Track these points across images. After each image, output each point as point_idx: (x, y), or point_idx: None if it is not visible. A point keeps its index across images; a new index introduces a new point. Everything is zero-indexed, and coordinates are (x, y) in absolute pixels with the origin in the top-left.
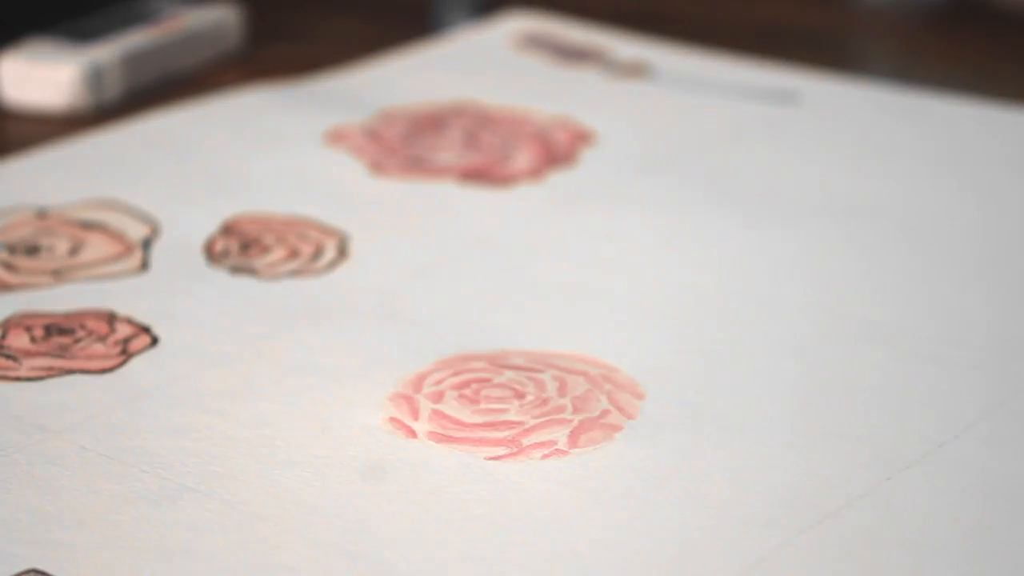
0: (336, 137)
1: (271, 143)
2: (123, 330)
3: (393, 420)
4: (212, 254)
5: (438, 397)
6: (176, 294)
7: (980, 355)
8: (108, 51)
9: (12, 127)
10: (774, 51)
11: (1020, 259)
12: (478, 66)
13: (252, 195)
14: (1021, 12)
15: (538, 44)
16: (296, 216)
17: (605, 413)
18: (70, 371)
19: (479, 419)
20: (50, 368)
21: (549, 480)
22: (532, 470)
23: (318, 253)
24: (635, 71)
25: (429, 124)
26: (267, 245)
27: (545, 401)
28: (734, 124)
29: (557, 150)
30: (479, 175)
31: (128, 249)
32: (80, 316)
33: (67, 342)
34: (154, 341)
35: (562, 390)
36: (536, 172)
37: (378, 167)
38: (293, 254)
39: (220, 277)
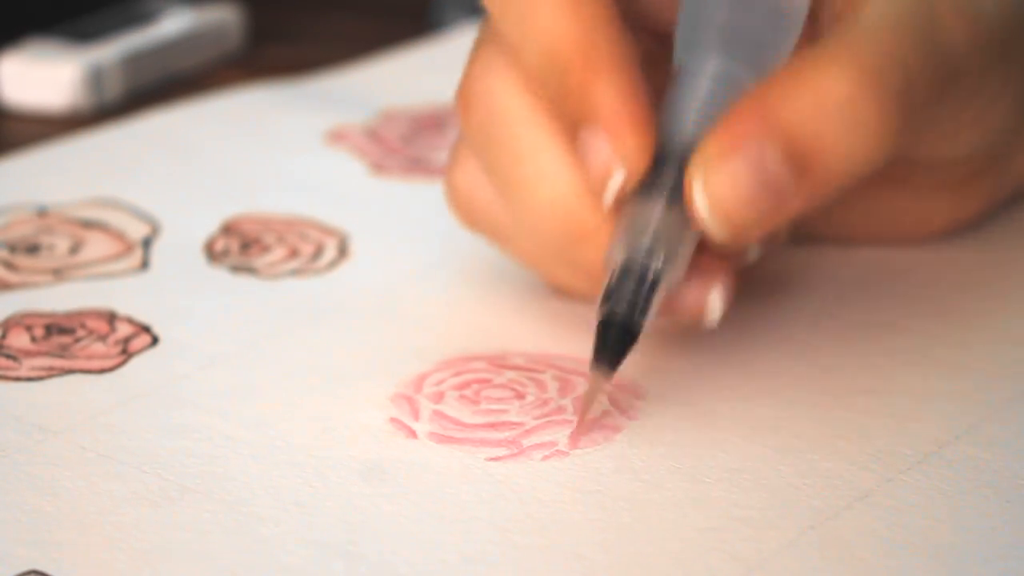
0: (336, 137)
1: (271, 143)
2: (123, 330)
3: (393, 420)
4: (212, 254)
5: (438, 397)
6: (176, 294)
7: (980, 355)
8: (108, 51)
9: (12, 127)
10: None
11: (1021, 258)
12: None
13: (252, 195)
14: None
15: None
16: (296, 216)
17: (606, 414)
18: (70, 371)
19: (480, 420)
20: (50, 368)
21: (549, 481)
22: (533, 471)
23: (318, 253)
24: None
25: (429, 124)
26: (267, 245)
27: (546, 402)
28: None
29: None
30: None
31: (128, 248)
32: (80, 316)
33: (67, 342)
34: (154, 341)
35: (563, 390)
36: None
37: (379, 167)
38: (293, 254)
39: (220, 277)
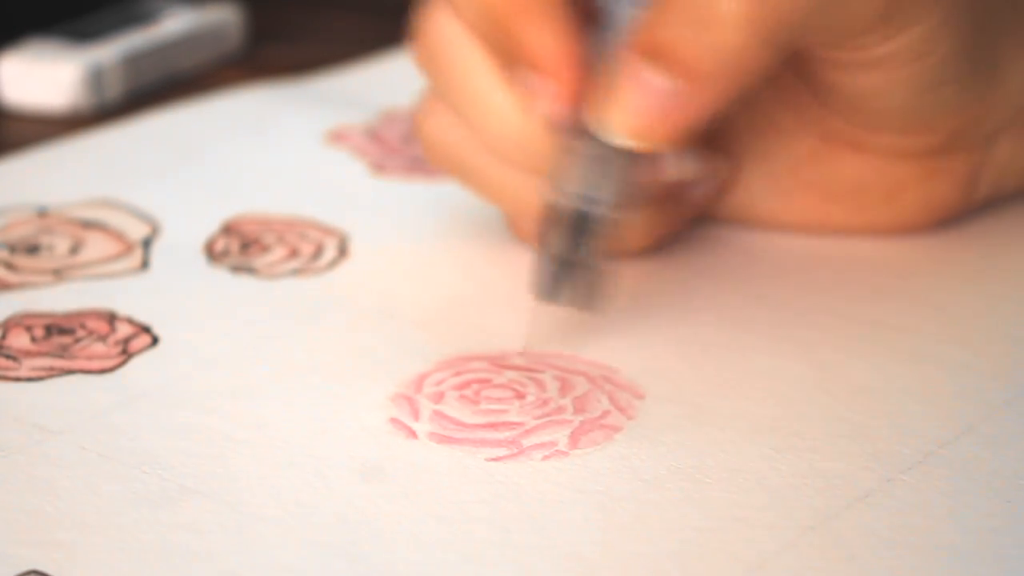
0: (336, 137)
1: (271, 143)
2: (123, 330)
3: (393, 420)
4: (212, 254)
5: (438, 398)
6: (176, 294)
7: (980, 354)
8: (108, 51)
9: (12, 127)
10: None
11: (1022, 257)
12: None
13: (252, 195)
14: None
15: None
16: (296, 216)
17: (605, 414)
18: (70, 371)
19: (480, 420)
20: (50, 368)
21: (549, 481)
22: (533, 471)
23: (318, 253)
24: None
25: None
26: (267, 245)
27: (546, 402)
28: None
29: None
30: None
31: (128, 248)
32: (80, 316)
33: (67, 342)
34: (154, 341)
35: (563, 390)
36: None
37: (379, 167)
38: (293, 254)
39: (220, 277)
